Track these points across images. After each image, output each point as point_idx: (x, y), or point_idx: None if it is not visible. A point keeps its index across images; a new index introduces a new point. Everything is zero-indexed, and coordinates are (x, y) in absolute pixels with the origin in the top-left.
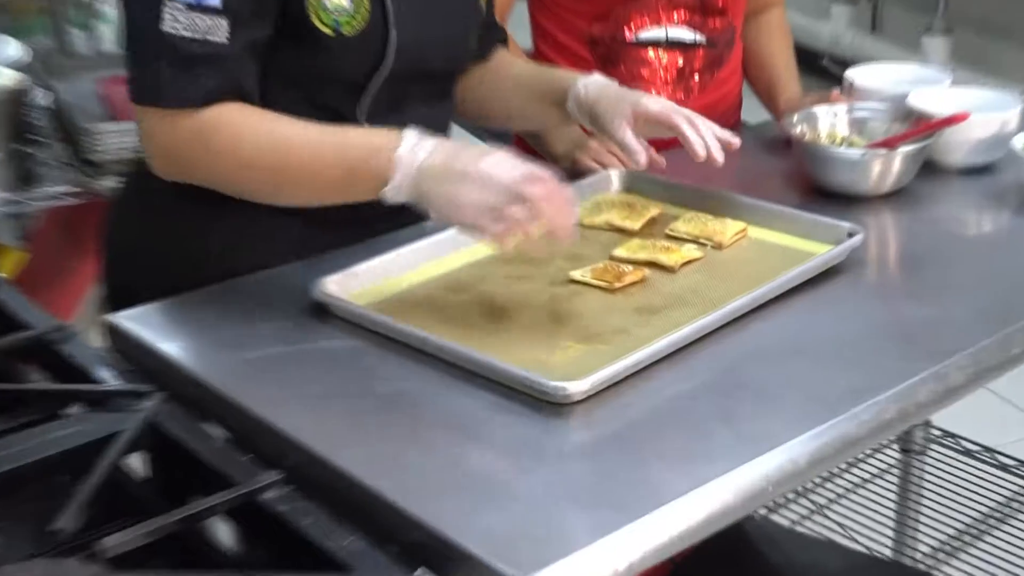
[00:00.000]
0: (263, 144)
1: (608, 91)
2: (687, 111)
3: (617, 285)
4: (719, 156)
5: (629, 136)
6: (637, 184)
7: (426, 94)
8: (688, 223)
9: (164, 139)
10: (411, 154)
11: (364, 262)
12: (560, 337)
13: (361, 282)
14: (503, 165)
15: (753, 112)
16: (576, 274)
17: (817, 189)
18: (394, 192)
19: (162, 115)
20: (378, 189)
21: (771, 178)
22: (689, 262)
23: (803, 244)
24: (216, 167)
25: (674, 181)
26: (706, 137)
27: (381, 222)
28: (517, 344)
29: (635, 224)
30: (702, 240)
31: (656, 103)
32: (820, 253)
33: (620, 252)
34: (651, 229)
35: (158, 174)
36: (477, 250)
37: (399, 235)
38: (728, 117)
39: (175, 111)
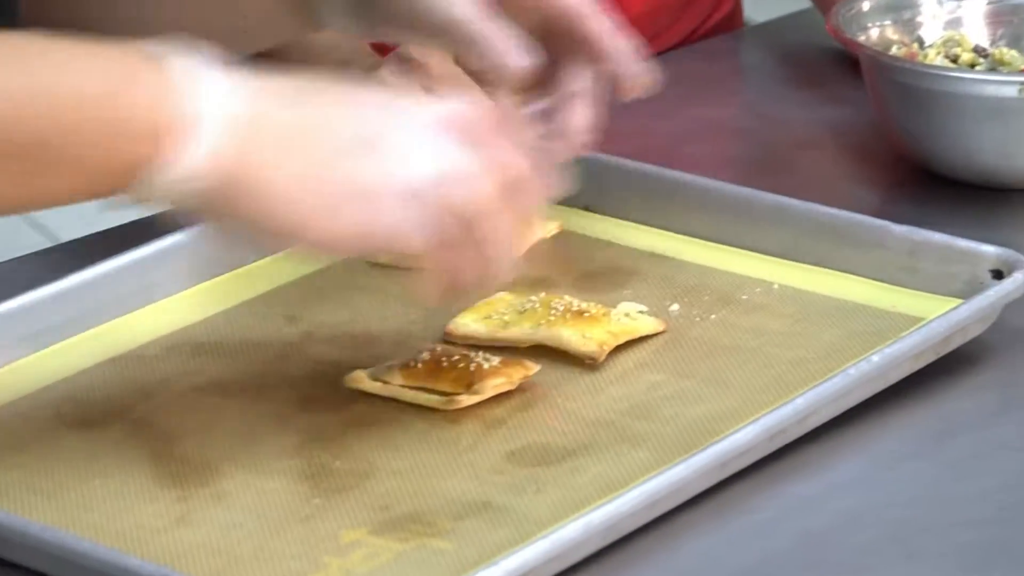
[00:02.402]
0: None
1: None
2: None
3: (463, 401)
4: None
5: (487, 27)
6: None
7: None
8: None
9: None
10: (210, 83)
11: None
12: (336, 523)
13: None
14: (407, 96)
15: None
16: (363, 378)
17: (920, 168)
18: (184, 177)
19: None
20: (133, 170)
21: (813, 144)
22: (630, 344)
23: (894, 296)
24: None
25: (595, 155)
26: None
27: None
28: (238, 541)
29: None
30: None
31: None
32: (932, 317)
33: (467, 324)
34: (545, 268)
35: None
36: (140, 321)
37: None
38: (710, 6)
39: None
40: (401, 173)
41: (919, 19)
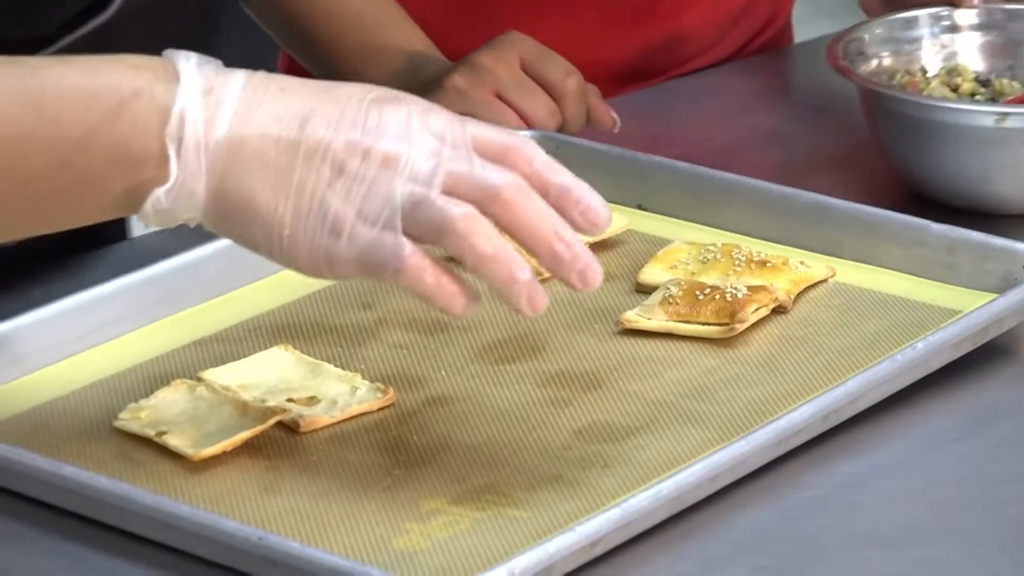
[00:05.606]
0: None
1: None
2: None
3: (737, 329)
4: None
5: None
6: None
7: None
8: (690, 256)
9: None
10: (206, 99)
11: None
12: (416, 492)
13: None
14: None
15: (809, 21)
16: (636, 318)
17: (915, 197)
18: (173, 199)
19: None
20: (135, 196)
21: (857, 154)
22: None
23: (933, 291)
24: None
25: (648, 157)
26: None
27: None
28: (325, 508)
29: None
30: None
31: None
32: (969, 310)
33: (656, 273)
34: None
35: None
36: (221, 307)
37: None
38: (760, 23)
39: None
40: (367, 206)
41: (921, 52)
